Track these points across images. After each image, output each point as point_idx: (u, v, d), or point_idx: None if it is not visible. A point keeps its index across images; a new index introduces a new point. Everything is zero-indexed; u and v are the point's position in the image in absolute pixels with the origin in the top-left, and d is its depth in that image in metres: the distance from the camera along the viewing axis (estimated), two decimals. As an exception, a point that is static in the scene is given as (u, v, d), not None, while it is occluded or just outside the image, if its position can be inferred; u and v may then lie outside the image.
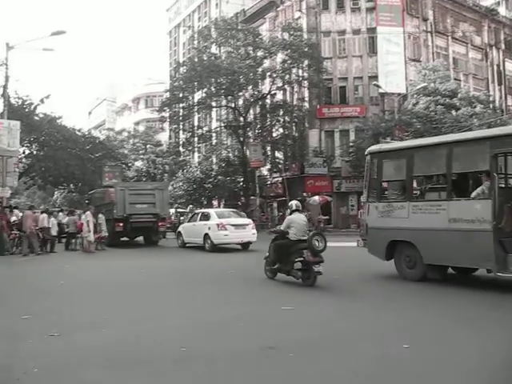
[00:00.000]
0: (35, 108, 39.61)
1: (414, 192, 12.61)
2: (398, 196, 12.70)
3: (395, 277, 12.42)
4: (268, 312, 8.67)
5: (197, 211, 25.91)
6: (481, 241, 10.23)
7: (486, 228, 10.16)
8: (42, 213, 24.11)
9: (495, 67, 52.91)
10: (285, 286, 11.45)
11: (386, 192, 13.41)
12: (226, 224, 21.24)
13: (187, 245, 23.76)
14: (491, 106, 43.00)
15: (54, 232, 23.18)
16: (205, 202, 47.53)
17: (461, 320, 7.97)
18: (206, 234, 21.61)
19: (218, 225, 21.21)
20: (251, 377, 5.40)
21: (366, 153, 13.88)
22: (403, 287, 11.40)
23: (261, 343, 6.58)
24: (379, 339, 6.80)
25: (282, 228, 12.34)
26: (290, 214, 12.40)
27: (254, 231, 22.15)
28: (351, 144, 38.91)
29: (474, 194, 10.80)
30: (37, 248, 21.35)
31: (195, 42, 49.38)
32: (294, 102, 44.05)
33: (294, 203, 12.64)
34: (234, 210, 27.80)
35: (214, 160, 50.15)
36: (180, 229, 24.95)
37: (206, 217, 22.53)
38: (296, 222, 11.99)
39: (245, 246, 22.08)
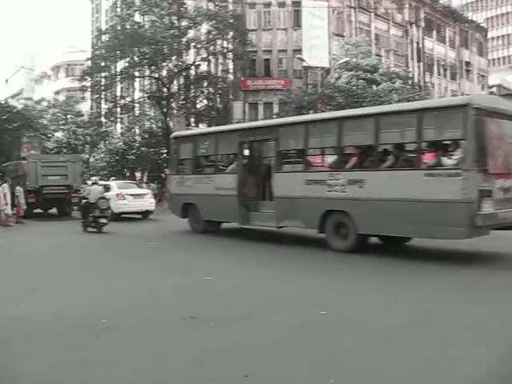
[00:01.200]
0: None
1: (197, 168, 16.59)
2: (188, 170, 17.04)
3: (318, 245, 12.92)
4: (189, 283, 8.65)
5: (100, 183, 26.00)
6: (232, 203, 14.50)
7: (235, 194, 14.55)
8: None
9: (415, 44, 54.44)
10: (206, 257, 11.48)
11: (182, 167, 17.57)
12: (125, 194, 23.08)
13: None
14: (410, 81, 44.24)
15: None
16: (127, 174, 46.62)
17: (383, 287, 8.22)
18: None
19: (117, 195, 22.80)
20: (171, 345, 5.41)
21: (170, 137, 18.41)
22: (328, 257, 11.72)
23: (182, 313, 6.57)
24: (299, 307, 6.91)
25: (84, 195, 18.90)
26: (91, 185, 19.00)
27: (153, 200, 24.50)
28: (274, 116, 39.08)
29: (227, 170, 15.47)
30: None
31: (118, 10, 47.79)
32: (219, 74, 43.76)
33: (93, 178, 20.13)
34: (135, 181, 31.91)
35: (137, 131, 49.17)
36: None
37: (108, 189, 22.88)
38: (92, 191, 18.25)
39: (144, 215, 23.91)
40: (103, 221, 17.70)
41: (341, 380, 4.31)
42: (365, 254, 11.45)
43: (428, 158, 10.91)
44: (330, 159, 13.43)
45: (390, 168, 11.30)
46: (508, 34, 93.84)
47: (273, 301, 7.31)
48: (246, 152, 15.88)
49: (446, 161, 10.53)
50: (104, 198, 18.28)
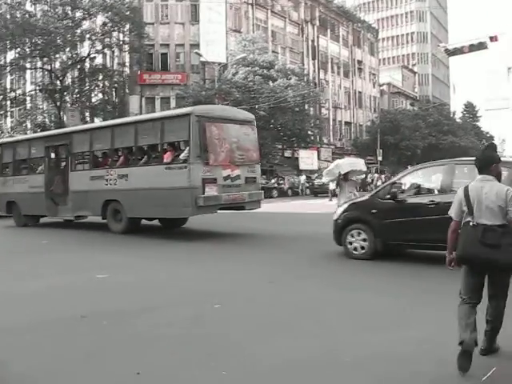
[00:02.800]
0: None
1: (16, 170, 18.29)
2: (10, 173, 18.48)
3: (218, 239, 13.11)
4: (82, 281, 8.35)
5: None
6: (42, 199, 16.50)
7: (43, 191, 16.60)
8: None
9: (310, 42, 56.02)
10: (101, 254, 11.21)
11: (6, 170, 18.90)
12: None
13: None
14: (305, 78, 45.54)
15: None
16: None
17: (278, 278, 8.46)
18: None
19: None
20: (59, 346, 5.23)
21: None
22: (224, 250, 11.94)
23: (73, 312, 6.33)
24: (195, 301, 6.94)
25: None
26: None
27: None
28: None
29: (37, 171, 17.55)
30: None
31: (7, -3, 45.66)
32: (115, 67, 42.90)
33: None
34: None
35: (29, 125, 47.21)
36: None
37: None
38: None
39: None
40: None
41: (232, 372, 4.45)
42: (252, 245, 11.89)
43: (167, 156, 13.36)
44: (107, 159, 15.68)
45: (144, 164, 14.03)
46: (397, 35, 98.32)
47: (169, 296, 7.25)
48: (53, 155, 18.02)
49: (179, 157, 13.08)
50: None
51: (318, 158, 50.69)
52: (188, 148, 12.75)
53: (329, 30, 59.70)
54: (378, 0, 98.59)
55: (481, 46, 30.87)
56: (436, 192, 9.65)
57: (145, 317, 6.22)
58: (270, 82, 38.62)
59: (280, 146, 43.70)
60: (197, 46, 42.11)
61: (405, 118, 60.50)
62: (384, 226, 9.64)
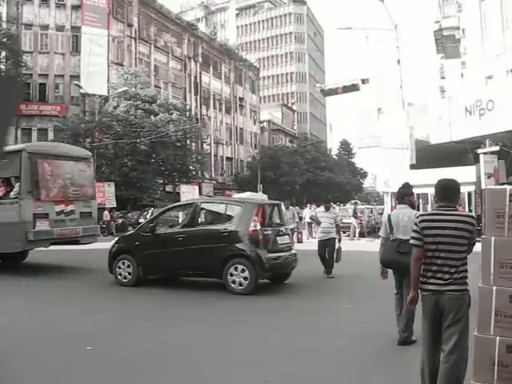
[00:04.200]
0: None
1: None
2: None
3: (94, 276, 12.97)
4: None
5: None
6: None
7: None
8: None
9: (193, 78, 56.95)
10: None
11: None
12: None
13: None
14: (187, 113, 46.14)
15: None
16: None
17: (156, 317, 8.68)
18: None
19: None
20: None
21: None
22: (107, 291, 11.84)
23: None
24: (69, 342, 6.90)
25: None
26: None
27: None
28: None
29: None
30: None
31: None
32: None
33: None
34: None
35: None
36: None
37: None
38: None
39: None
40: None
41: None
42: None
43: (1, 190, 13.50)
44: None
45: None
46: (278, 75, 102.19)
47: (38, 339, 7.09)
48: None
49: (12, 192, 13.19)
50: None
51: (200, 193, 51.06)
52: (19, 184, 12.98)
53: (211, 67, 61.01)
54: (260, 40, 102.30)
55: (353, 87, 33.10)
56: (184, 226, 11.66)
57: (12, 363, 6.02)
58: (152, 117, 38.77)
59: (161, 181, 43.74)
60: (77, 77, 41.40)
61: (284, 155, 62.81)
62: (144, 256, 11.30)
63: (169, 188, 46.17)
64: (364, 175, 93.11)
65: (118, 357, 6.29)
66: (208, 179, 55.84)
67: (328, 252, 12.86)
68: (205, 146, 55.31)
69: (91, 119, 37.90)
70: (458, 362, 4.16)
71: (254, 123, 72.28)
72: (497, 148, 21.80)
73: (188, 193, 41.70)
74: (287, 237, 11.91)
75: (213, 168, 59.20)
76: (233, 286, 10.52)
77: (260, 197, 14.93)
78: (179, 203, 13.95)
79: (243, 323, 8.14)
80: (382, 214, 32.90)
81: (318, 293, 11.07)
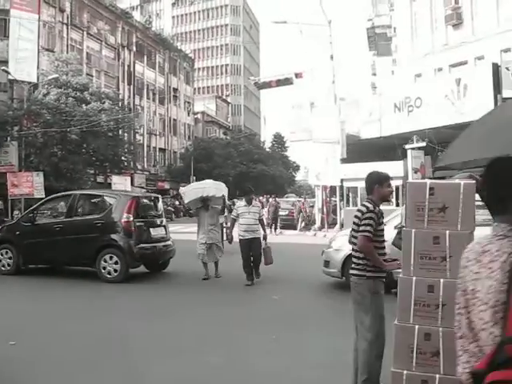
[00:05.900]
0: None
1: None
2: None
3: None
4: None
5: None
6: None
7: None
8: None
9: (126, 67, 56.02)
10: None
11: None
12: None
13: None
14: (120, 103, 45.45)
15: None
16: None
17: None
18: None
19: None
20: None
21: None
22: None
23: None
24: None
25: None
26: None
27: None
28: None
29: None
30: None
31: None
32: None
33: None
34: None
35: None
36: None
37: None
38: None
39: None
40: None
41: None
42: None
43: None
44: None
45: None
46: (212, 66, 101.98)
47: None
48: None
49: None
50: None
51: (132, 184, 50.46)
52: None
53: (145, 57, 60.23)
54: (195, 31, 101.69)
55: (287, 81, 33.62)
56: (63, 217, 12.21)
57: None
58: (84, 105, 37.91)
59: (92, 171, 42.92)
60: (5, 62, 39.82)
61: (218, 147, 62.90)
62: (24, 245, 11.75)
63: (100, 179, 45.40)
64: (296, 168, 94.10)
65: None
66: (140, 170, 55.24)
67: (253, 255, 11.09)
68: (137, 136, 54.58)
69: (19, 107, 36.58)
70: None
71: (188, 114, 71.89)
72: (423, 144, 22.66)
73: (120, 184, 41.21)
74: (162, 228, 12.66)
75: (145, 159, 58.60)
76: (105, 274, 11.16)
77: (219, 186, 13.08)
78: (59, 194, 13.98)
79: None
80: (312, 206, 33.58)
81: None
